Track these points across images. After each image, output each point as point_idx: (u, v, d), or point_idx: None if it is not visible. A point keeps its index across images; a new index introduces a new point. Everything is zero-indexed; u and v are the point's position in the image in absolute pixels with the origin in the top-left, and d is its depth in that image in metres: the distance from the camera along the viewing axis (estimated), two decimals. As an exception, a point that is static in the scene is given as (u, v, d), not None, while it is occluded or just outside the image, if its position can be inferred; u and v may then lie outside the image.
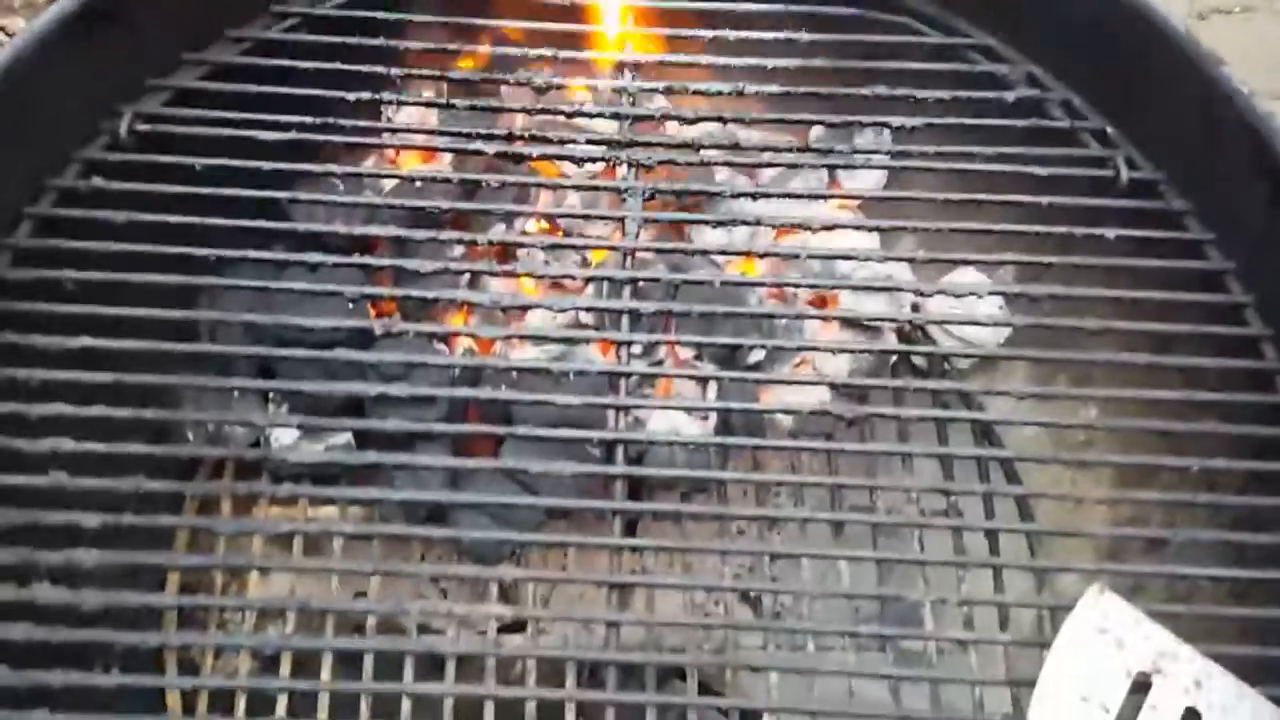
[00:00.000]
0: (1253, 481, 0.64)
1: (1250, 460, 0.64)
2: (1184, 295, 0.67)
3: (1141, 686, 0.56)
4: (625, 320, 0.65)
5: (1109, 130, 0.70)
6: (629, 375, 0.65)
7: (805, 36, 0.71)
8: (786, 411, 0.65)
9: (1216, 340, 0.66)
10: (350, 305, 0.67)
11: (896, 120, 0.70)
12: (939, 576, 0.71)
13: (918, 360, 0.81)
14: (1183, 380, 0.66)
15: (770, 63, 0.71)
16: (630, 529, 0.74)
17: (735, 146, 0.70)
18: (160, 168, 0.66)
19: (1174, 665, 0.57)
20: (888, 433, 0.78)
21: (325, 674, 0.62)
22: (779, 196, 0.70)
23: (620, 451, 0.63)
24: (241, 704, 0.62)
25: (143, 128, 0.67)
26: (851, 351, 0.74)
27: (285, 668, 0.66)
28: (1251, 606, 0.62)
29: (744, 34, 0.72)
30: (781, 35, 0.72)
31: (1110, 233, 0.67)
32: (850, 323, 0.77)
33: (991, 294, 0.70)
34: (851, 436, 0.76)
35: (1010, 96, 0.71)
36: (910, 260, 0.72)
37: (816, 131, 0.81)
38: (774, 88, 0.71)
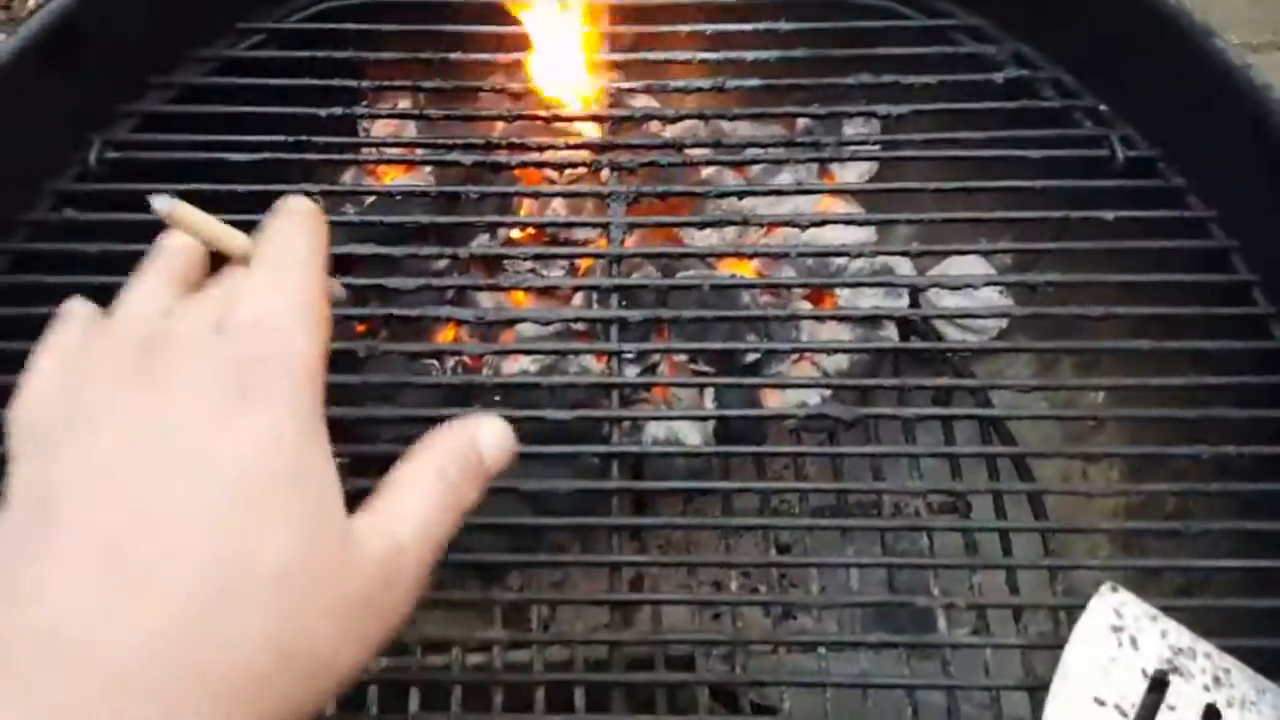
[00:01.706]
0: (1267, 467, 0.62)
1: (1264, 444, 0.62)
2: (1187, 276, 0.65)
3: (1158, 684, 0.55)
4: (614, 329, 0.64)
5: (1103, 108, 0.68)
6: (621, 386, 0.63)
7: (785, 26, 0.70)
8: (783, 416, 0.63)
9: (1223, 321, 0.64)
10: (333, 329, 0.66)
11: (883, 108, 0.68)
12: (949, 577, 0.70)
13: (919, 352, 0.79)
14: (1190, 364, 0.64)
15: (751, 55, 0.69)
16: (636, 537, 0.73)
17: (718, 144, 0.68)
18: (133, 195, 0.65)
19: (1191, 662, 0.55)
20: (892, 427, 0.76)
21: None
22: (765, 193, 0.68)
23: (615, 465, 0.61)
24: None
25: (113, 155, 0.66)
26: (848, 351, 0.73)
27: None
28: (1271, 597, 0.60)
29: (722, 26, 0.70)
30: (761, 26, 0.70)
31: (1109, 214, 0.65)
32: (847, 318, 0.75)
33: (991, 284, 0.68)
34: (855, 434, 0.74)
35: (999, 78, 0.69)
36: (903, 254, 0.70)
37: (803, 123, 0.79)
38: (755, 81, 0.69)
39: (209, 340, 0.35)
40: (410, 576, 0.36)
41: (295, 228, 0.40)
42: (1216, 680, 0.55)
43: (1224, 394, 0.63)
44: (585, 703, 0.60)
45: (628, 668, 0.61)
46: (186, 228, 0.42)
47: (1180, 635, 0.56)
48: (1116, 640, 0.55)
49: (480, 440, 0.39)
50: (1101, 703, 0.53)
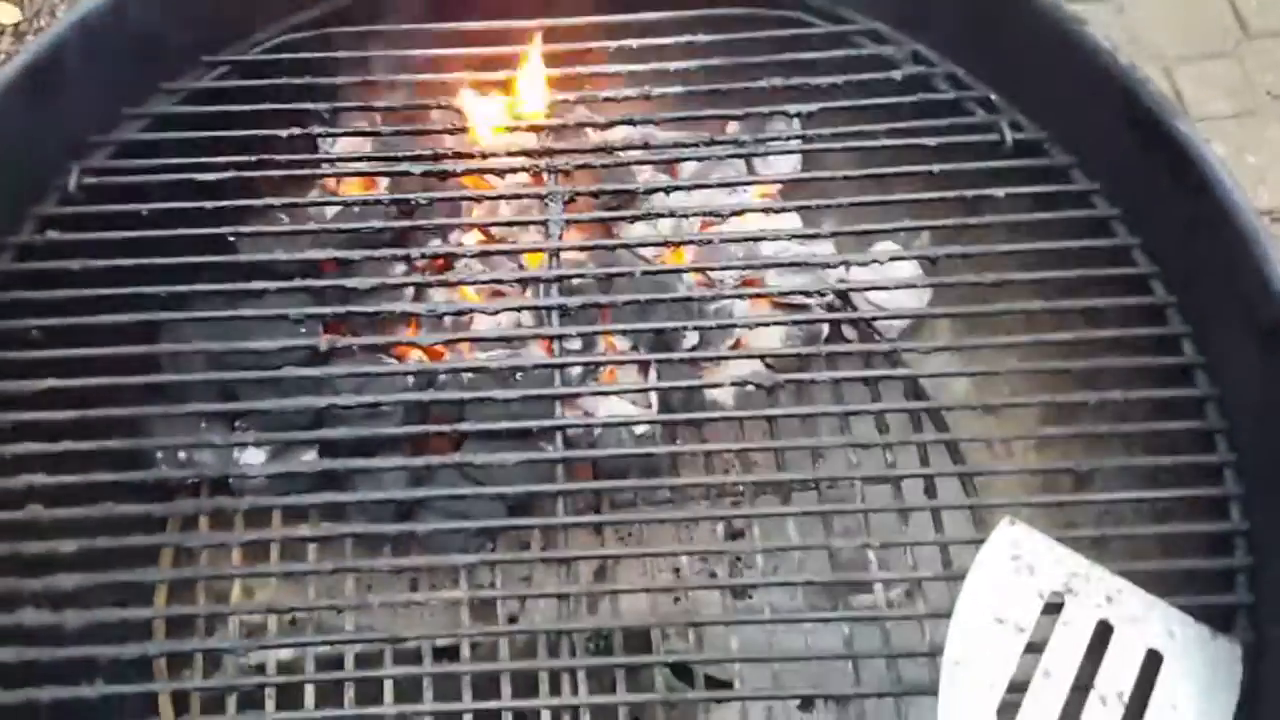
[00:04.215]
0: (1157, 409, 0.69)
1: (1150, 389, 0.68)
2: (1075, 242, 0.71)
3: (1054, 608, 0.60)
4: (555, 316, 0.70)
5: (993, 97, 0.75)
6: (563, 367, 0.69)
7: (703, 38, 0.76)
8: (714, 385, 0.69)
9: (1108, 281, 0.70)
10: (301, 328, 0.72)
11: (793, 108, 0.74)
12: (881, 524, 0.75)
13: (847, 331, 0.85)
14: (1084, 321, 0.71)
15: (673, 65, 0.76)
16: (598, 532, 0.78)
17: (646, 146, 0.75)
18: (110, 216, 0.71)
19: (1085, 584, 0.61)
20: (824, 400, 0.82)
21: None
22: (691, 188, 0.75)
23: (560, 437, 0.67)
24: (232, 704, 0.66)
25: (90, 180, 0.72)
26: (779, 324, 0.79)
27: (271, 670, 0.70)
28: (1158, 524, 0.66)
29: (646, 41, 0.77)
30: (682, 39, 0.77)
31: (1000, 191, 0.71)
32: (778, 301, 0.81)
33: (901, 259, 0.75)
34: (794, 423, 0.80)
35: (898, 75, 0.76)
36: (812, 235, 0.76)
37: (732, 126, 0.86)
38: (678, 88, 0.75)
39: None
40: None
41: None
42: (1109, 599, 0.61)
43: (1111, 346, 0.69)
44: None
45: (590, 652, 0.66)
46: None
47: (1075, 561, 0.62)
48: (1014, 567, 0.61)
49: None
50: (1001, 621, 0.59)
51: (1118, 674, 0.58)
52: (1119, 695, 0.58)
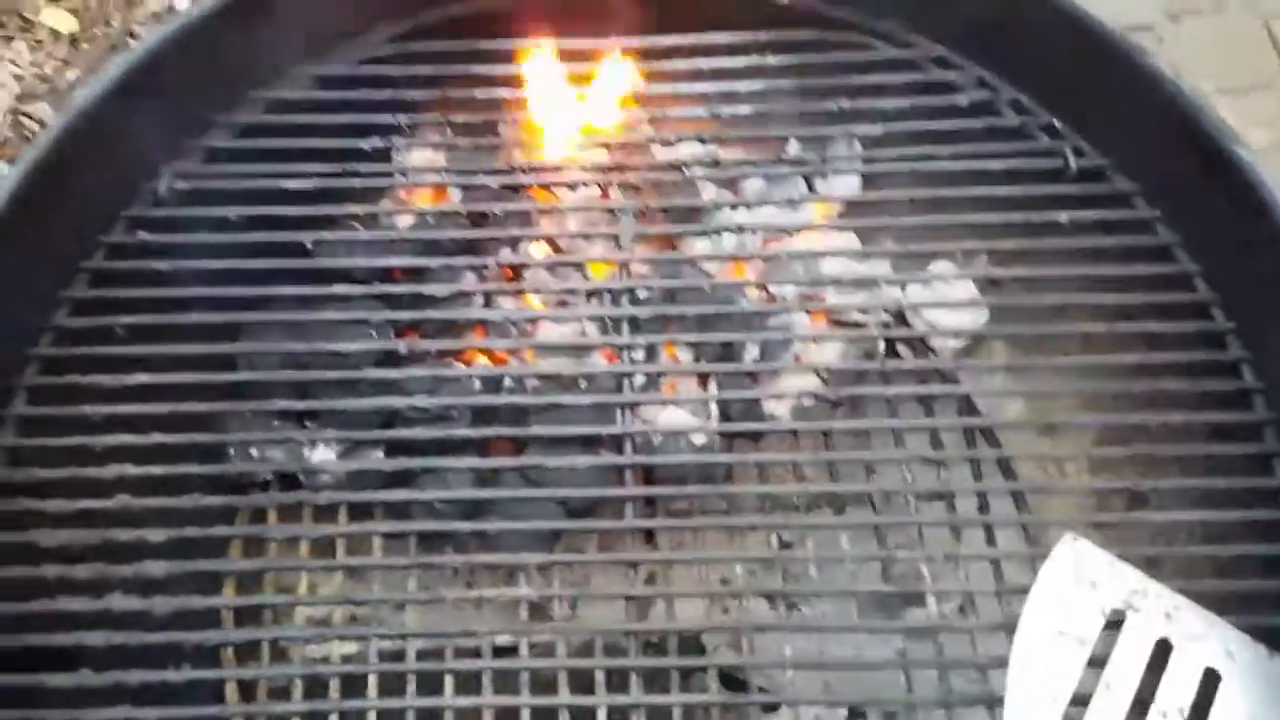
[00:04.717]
0: (1214, 432, 0.70)
1: (1209, 412, 0.69)
2: (1137, 268, 0.73)
3: (1116, 623, 0.61)
4: (625, 327, 0.72)
5: (1056, 123, 0.77)
6: (631, 375, 0.71)
7: (771, 60, 0.79)
8: (774, 397, 0.71)
9: (1169, 307, 0.72)
10: (374, 332, 0.74)
11: (858, 129, 0.76)
12: (934, 538, 0.76)
13: (902, 349, 0.87)
14: (1144, 344, 0.72)
15: (742, 86, 0.78)
16: (649, 539, 0.79)
17: (715, 164, 0.77)
18: (199, 219, 0.74)
19: (1145, 601, 0.62)
20: (879, 416, 0.84)
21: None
22: (754, 205, 0.77)
23: (629, 444, 0.69)
24: (299, 691, 0.68)
25: (181, 185, 0.75)
26: (837, 339, 0.80)
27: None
28: (1217, 544, 0.67)
29: (715, 62, 0.79)
30: (751, 61, 0.79)
31: (1064, 216, 0.73)
32: (836, 318, 0.83)
33: (959, 279, 0.76)
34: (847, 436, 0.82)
35: (963, 100, 0.77)
36: (865, 254, 0.78)
37: (793, 146, 0.88)
38: (745, 109, 0.78)
39: None
40: None
41: None
42: (1168, 616, 0.62)
43: (1172, 370, 0.70)
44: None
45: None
46: None
47: (1136, 578, 0.63)
48: (1076, 582, 0.62)
49: None
50: (1064, 634, 0.60)
51: (1177, 690, 0.59)
52: (1180, 711, 0.59)
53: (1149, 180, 0.74)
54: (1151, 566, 0.67)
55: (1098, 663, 0.60)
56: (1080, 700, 0.59)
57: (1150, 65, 0.72)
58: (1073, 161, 0.75)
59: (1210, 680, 0.60)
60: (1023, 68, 0.78)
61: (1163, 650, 0.61)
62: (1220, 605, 0.63)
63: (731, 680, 0.79)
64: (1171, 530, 0.70)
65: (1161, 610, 0.62)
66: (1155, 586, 0.63)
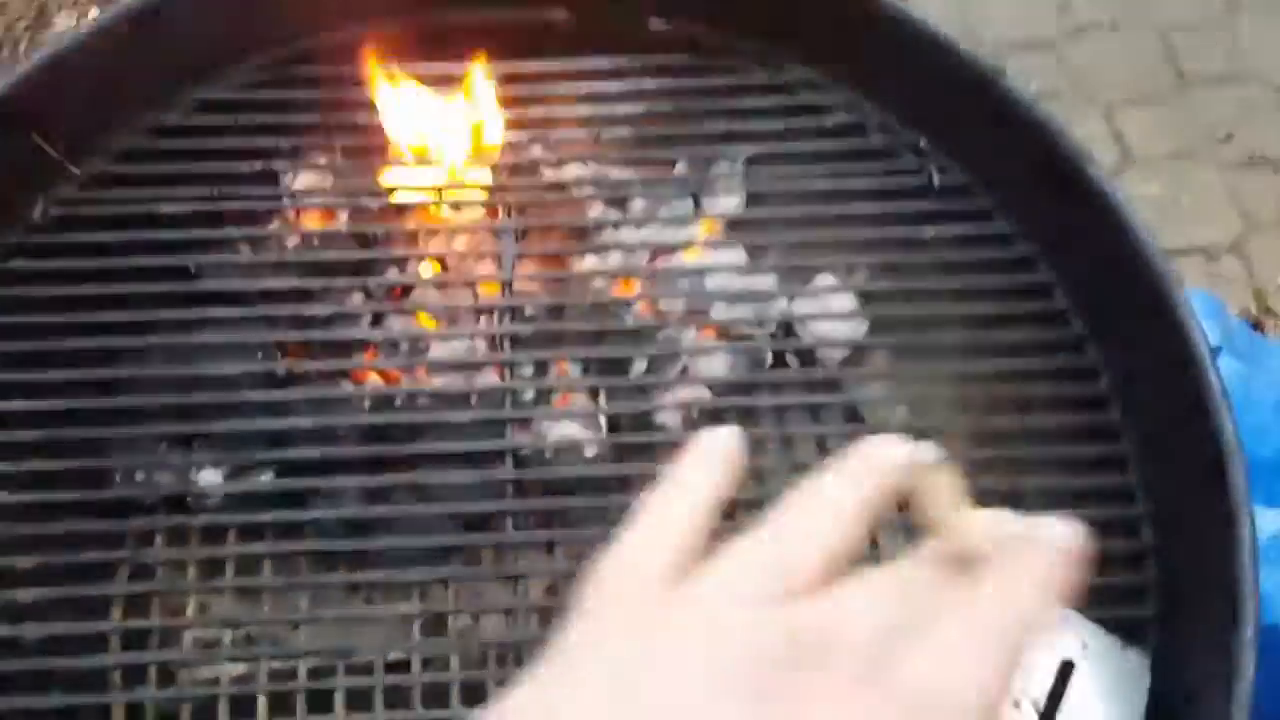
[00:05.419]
0: (1076, 434, 0.73)
1: (1069, 415, 0.73)
2: (1000, 278, 0.76)
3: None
4: (510, 344, 0.73)
5: (922, 143, 0.80)
6: (520, 391, 0.73)
7: (650, 84, 0.81)
8: (660, 409, 0.73)
9: (1029, 317, 0.75)
10: (259, 354, 0.74)
11: (735, 150, 0.79)
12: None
13: (789, 359, 0.89)
14: (1009, 352, 0.76)
15: (621, 109, 0.80)
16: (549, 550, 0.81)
17: (597, 184, 0.79)
18: (76, 246, 0.74)
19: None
20: (768, 425, 0.86)
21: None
22: (639, 224, 0.79)
23: (511, 458, 0.70)
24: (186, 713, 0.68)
25: (57, 211, 0.75)
26: (724, 350, 0.83)
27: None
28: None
29: (595, 86, 0.81)
30: (630, 85, 0.81)
31: (928, 231, 0.76)
32: (723, 331, 0.85)
33: (837, 291, 0.79)
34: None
35: (831, 121, 0.80)
36: (751, 270, 0.80)
37: (679, 167, 0.90)
38: (625, 131, 0.80)
39: (868, 677, 0.26)
40: None
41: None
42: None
43: (1032, 376, 0.74)
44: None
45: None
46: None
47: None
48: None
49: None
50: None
51: (1032, 681, 0.62)
52: (1033, 702, 0.61)
53: (1009, 196, 0.78)
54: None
55: (958, 657, 0.62)
56: (940, 694, 0.61)
57: (1008, 87, 0.76)
58: (936, 179, 0.78)
59: (1064, 671, 0.63)
60: (889, 89, 0.81)
61: (1020, 644, 0.64)
62: (1081, 600, 0.66)
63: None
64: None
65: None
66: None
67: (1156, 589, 0.68)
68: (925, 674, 0.26)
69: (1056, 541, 0.30)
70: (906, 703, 0.26)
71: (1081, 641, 0.64)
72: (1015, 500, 0.74)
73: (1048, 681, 0.62)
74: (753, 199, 0.86)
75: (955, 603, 0.28)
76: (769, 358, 0.89)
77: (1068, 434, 0.73)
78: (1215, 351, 0.67)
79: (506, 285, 0.74)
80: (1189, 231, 1.84)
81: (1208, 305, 1.18)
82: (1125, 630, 0.65)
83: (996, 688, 0.27)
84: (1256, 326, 1.70)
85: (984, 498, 0.75)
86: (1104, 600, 0.67)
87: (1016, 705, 0.61)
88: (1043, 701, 0.62)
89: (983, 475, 0.80)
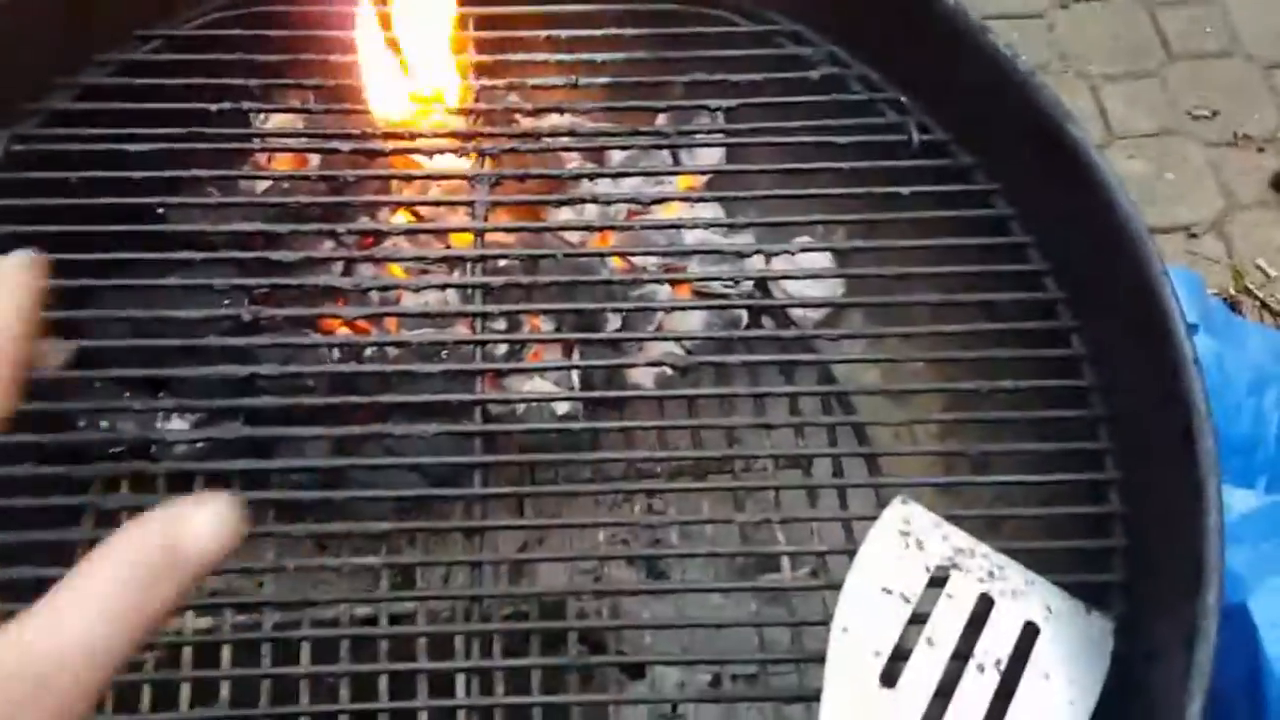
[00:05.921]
0: (1047, 398, 0.73)
1: (1040, 379, 0.73)
2: (976, 239, 0.75)
3: (940, 581, 0.64)
4: (479, 295, 0.72)
5: (903, 99, 0.79)
6: (485, 344, 0.72)
7: (630, 32, 0.79)
8: (633, 365, 0.72)
9: (1005, 276, 0.75)
10: (226, 300, 0.73)
11: (715, 103, 0.78)
12: (791, 501, 0.79)
13: (764, 318, 0.89)
14: (983, 314, 0.75)
15: (601, 56, 0.78)
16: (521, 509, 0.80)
17: (573, 134, 0.77)
18: (38, 183, 0.72)
19: (969, 560, 0.65)
20: (741, 383, 0.86)
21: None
22: (616, 176, 0.77)
23: (479, 412, 0.69)
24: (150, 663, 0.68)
25: (18, 148, 0.73)
26: (699, 309, 0.82)
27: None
28: (1041, 506, 0.71)
29: (574, 31, 0.79)
30: (610, 31, 0.79)
31: (905, 189, 0.75)
32: (698, 289, 0.84)
33: (814, 250, 0.78)
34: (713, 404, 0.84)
35: (815, 75, 0.79)
36: (732, 225, 0.79)
37: (660, 119, 0.89)
38: (605, 80, 0.78)
39: None
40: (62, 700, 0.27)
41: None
42: (991, 574, 0.65)
43: (1008, 337, 0.73)
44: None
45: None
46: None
47: (961, 538, 0.65)
48: (904, 542, 0.65)
49: (182, 533, 0.30)
50: (888, 591, 0.63)
51: (996, 644, 0.62)
52: (996, 663, 0.62)
53: (989, 155, 0.77)
54: (992, 527, 0.70)
55: (921, 619, 0.63)
56: (902, 655, 0.61)
57: (989, 43, 0.75)
58: (916, 136, 0.77)
59: (1029, 634, 0.63)
60: (873, 45, 0.80)
61: (985, 606, 0.64)
62: (1048, 564, 0.67)
63: (595, 646, 0.81)
64: (1009, 493, 0.74)
65: (985, 569, 0.65)
66: (981, 547, 0.65)
67: (1123, 554, 0.68)
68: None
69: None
70: None
71: (1046, 605, 0.64)
72: (985, 465, 0.75)
73: (1011, 644, 0.62)
74: (734, 153, 0.84)
75: None
76: (744, 316, 0.88)
77: (1039, 397, 0.72)
78: (1192, 329, 0.67)
79: (479, 235, 0.73)
80: (1171, 209, 1.84)
81: (1187, 283, 1.18)
82: (1091, 594, 0.65)
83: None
84: (1234, 307, 1.70)
85: (957, 462, 0.77)
86: (1070, 565, 0.67)
87: (980, 669, 0.61)
88: (1005, 662, 0.62)
89: (953, 437, 0.80)
